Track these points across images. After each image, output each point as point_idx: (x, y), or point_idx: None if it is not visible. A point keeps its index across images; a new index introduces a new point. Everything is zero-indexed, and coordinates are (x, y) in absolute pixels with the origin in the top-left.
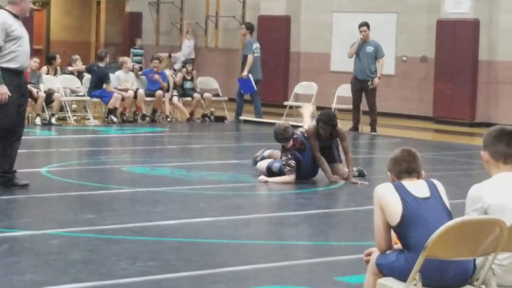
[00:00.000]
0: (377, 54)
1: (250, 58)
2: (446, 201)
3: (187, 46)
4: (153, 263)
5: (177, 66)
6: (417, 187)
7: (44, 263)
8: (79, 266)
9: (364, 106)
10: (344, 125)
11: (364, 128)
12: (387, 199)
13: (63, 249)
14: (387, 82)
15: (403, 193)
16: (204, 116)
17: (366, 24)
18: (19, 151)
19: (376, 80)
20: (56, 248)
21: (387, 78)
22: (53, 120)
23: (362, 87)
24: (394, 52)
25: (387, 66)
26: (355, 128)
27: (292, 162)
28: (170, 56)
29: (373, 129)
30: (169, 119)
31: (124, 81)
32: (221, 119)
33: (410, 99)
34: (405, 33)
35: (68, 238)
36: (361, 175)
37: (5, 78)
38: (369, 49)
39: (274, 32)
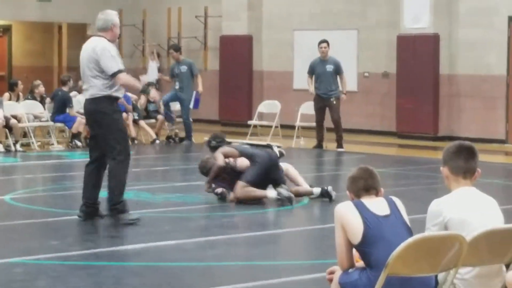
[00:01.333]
0: (338, 72)
1: (199, 76)
2: (406, 218)
3: (152, 68)
4: None
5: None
6: (377, 205)
7: None
8: None
9: (328, 123)
10: (309, 142)
11: (329, 145)
12: (348, 218)
13: (27, 277)
14: (350, 98)
15: (363, 211)
16: (168, 138)
17: (325, 41)
18: None
19: (343, 97)
20: (20, 276)
21: (350, 94)
22: (18, 147)
23: (325, 104)
24: (356, 68)
25: (349, 82)
26: (319, 145)
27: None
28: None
29: (340, 145)
30: (135, 142)
31: None
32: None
33: (373, 115)
34: (366, 49)
35: (32, 266)
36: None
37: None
38: (329, 67)
39: (237, 52)
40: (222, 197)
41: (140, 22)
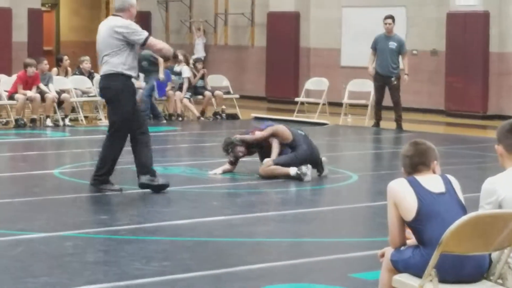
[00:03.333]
0: (401, 50)
1: (161, 59)
2: (461, 197)
3: (199, 45)
4: (168, 263)
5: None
6: (432, 182)
7: (59, 265)
8: (93, 267)
9: (387, 102)
10: (356, 120)
11: (386, 124)
12: (402, 195)
13: (77, 251)
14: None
15: (417, 188)
16: (215, 114)
17: (391, 17)
18: (30, 152)
19: (405, 77)
20: (70, 250)
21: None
22: (67, 121)
23: (384, 82)
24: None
25: None
26: (377, 124)
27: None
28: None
29: (399, 125)
30: (180, 119)
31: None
32: (232, 116)
33: (421, 93)
34: (414, 26)
35: (82, 240)
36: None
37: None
38: (392, 44)
39: (284, 28)
40: (235, 158)
41: None
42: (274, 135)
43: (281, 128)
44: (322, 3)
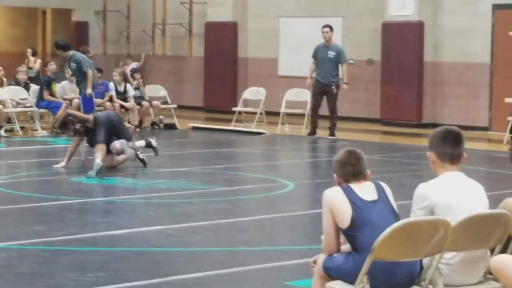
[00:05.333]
0: (340, 60)
1: (90, 73)
2: (393, 204)
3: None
4: (104, 274)
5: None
6: (365, 190)
7: None
8: (28, 279)
9: (324, 110)
10: (293, 129)
11: (321, 132)
12: (337, 203)
13: (11, 262)
14: (348, 87)
15: (352, 196)
16: (153, 124)
17: (328, 26)
18: None
19: (344, 86)
20: (4, 262)
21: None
22: (2, 132)
23: (323, 90)
24: None
25: None
26: (313, 132)
27: None
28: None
29: (332, 133)
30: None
31: (69, 90)
32: (170, 126)
33: (357, 102)
34: (351, 36)
35: (16, 251)
36: (148, 145)
37: None
38: (331, 53)
39: (222, 39)
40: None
41: (126, 8)
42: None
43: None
44: (260, 13)
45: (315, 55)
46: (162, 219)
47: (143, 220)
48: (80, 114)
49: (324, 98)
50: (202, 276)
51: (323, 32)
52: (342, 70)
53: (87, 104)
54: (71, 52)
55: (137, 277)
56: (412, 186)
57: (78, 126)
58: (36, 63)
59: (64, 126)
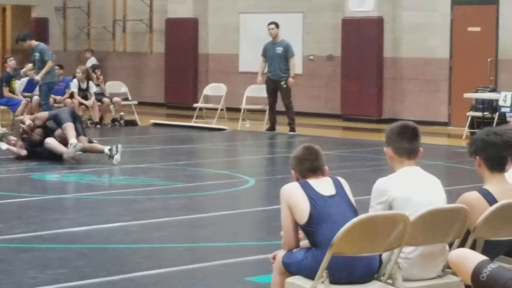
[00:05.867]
0: (287, 54)
1: (50, 64)
2: (351, 198)
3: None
4: (64, 271)
5: None
6: (323, 185)
7: None
8: None
9: (280, 106)
10: (254, 125)
11: (281, 128)
12: (295, 199)
13: None
14: (295, 81)
15: (309, 191)
16: (114, 120)
17: (273, 23)
18: None
19: (290, 80)
20: None
21: (295, 77)
22: None
23: (276, 86)
24: (302, 52)
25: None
26: (272, 128)
27: None
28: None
29: (292, 129)
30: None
31: None
32: (131, 123)
33: (318, 98)
34: (311, 32)
35: None
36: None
37: None
38: (278, 49)
39: (182, 35)
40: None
41: (86, 4)
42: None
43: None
44: (220, 10)
45: (264, 53)
46: (123, 216)
47: (104, 216)
48: (41, 115)
49: (279, 94)
50: (163, 273)
51: (269, 29)
52: (290, 64)
53: (29, 87)
54: (36, 43)
55: (97, 274)
56: (372, 181)
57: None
58: None
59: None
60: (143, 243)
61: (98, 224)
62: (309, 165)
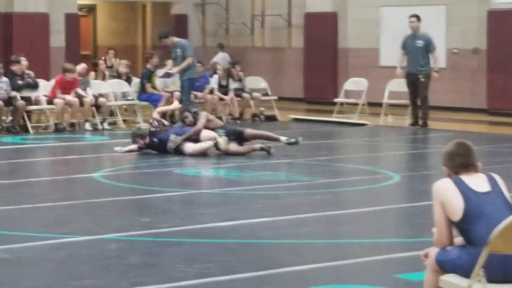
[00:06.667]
0: (429, 48)
1: (189, 60)
2: (507, 195)
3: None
4: (211, 265)
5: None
6: (477, 182)
7: (103, 267)
8: (137, 269)
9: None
10: (397, 120)
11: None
12: (448, 195)
13: (120, 253)
14: (439, 75)
15: (463, 188)
16: (254, 116)
17: (415, 16)
18: (70, 156)
19: (434, 74)
20: (113, 253)
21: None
22: (105, 125)
23: (414, 80)
24: (445, 45)
25: (438, 59)
26: (415, 123)
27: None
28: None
29: (424, 123)
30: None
31: (171, 83)
32: (271, 118)
33: (462, 92)
34: (455, 25)
35: (125, 242)
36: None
37: None
38: (419, 43)
39: (321, 29)
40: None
41: (224, 0)
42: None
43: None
44: (360, 3)
45: (403, 46)
46: (267, 211)
47: (249, 212)
48: (194, 130)
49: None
50: (310, 269)
51: (410, 22)
52: (432, 58)
53: (164, 78)
54: (177, 39)
55: (244, 269)
56: None
57: (146, 140)
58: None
59: (135, 137)
60: (289, 238)
61: (243, 219)
62: (461, 161)
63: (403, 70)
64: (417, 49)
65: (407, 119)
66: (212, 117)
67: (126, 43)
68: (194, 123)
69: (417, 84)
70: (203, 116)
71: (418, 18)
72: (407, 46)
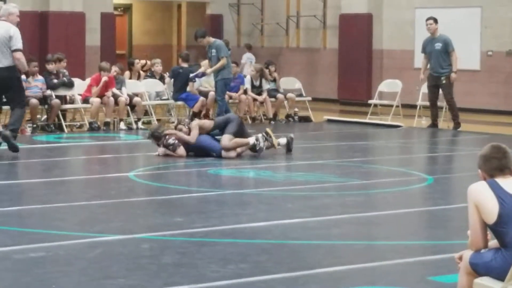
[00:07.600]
0: (447, 49)
1: (224, 61)
2: None
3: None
4: (245, 265)
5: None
6: None
7: (137, 266)
8: (171, 269)
9: (443, 102)
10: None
11: (464, 126)
12: (482, 198)
13: (154, 253)
14: (473, 77)
15: (498, 191)
16: (288, 116)
17: (431, 18)
18: (105, 155)
19: (452, 75)
20: (147, 252)
21: (472, 73)
22: (140, 125)
23: (436, 83)
24: (479, 47)
25: (472, 61)
26: (433, 124)
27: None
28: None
29: (456, 124)
30: (257, 120)
31: (205, 82)
32: (305, 119)
33: (497, 94)
34: (490, 27)
35: (158, 242)
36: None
37: None
38: (437, 45)
39: (356, 30)
40: (173, 148)
41: (259, 0)
42: (201, 128)
43: (202, 122)
44: (395, 4)
45: (424, 50)
46: (301, 212)
47: (282, 212)
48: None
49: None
50: (342, 270)
51: (427, 25)
52: (452, 59)
53: (196, 78)
54: (213, 39)
55: (278, 270)
56: None
57: (170, 141)
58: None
59: (155, 139)
60: (322, 239)
61: (276, 219)
62: (496, 164)
63: (425, 73)
64: (436, 52)
65: (441, 121)
66: (202, 122)
67: (161, 42)
68: (189, 134)
69: (440, 86)
70: (195, 128)
71: (435, 20)
72: (427, 49)
